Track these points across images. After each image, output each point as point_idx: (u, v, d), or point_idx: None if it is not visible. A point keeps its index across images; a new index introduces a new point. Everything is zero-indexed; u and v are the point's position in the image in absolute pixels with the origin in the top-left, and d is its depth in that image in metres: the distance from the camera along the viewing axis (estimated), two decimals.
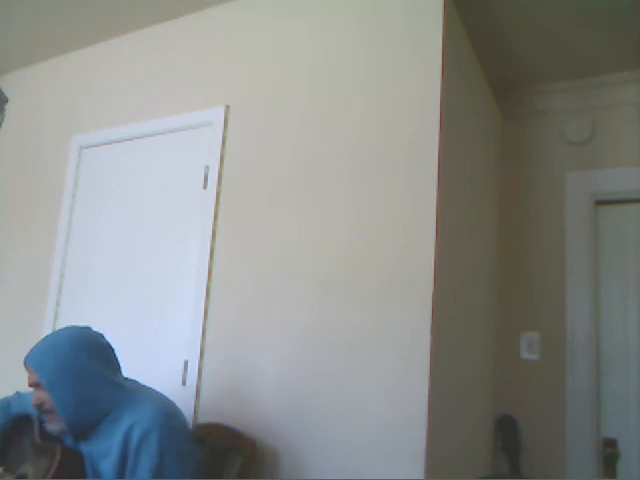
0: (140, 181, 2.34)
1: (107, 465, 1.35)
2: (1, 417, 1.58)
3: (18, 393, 1.68)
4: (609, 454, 2.14)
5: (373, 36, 1.89)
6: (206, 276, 2.02)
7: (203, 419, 1.90)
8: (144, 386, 1.54)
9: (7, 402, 1.64)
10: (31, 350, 1.44)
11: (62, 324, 2.29)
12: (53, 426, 1.40)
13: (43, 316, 2.45)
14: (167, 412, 1.41)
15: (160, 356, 2.06)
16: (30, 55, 2.88)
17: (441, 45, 1.75)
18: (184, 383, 1.97)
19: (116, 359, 1.52)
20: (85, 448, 1.40)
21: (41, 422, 1.50)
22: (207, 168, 2.14)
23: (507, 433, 2.31)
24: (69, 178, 2.58)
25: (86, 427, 1.38)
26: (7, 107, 2.34)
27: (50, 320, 2.41)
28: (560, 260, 2.41)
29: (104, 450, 1.36)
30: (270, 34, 2.13)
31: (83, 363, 1.39)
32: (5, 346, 2.58)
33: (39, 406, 1.38)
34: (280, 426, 1.75)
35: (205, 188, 2.12)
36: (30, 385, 1.41)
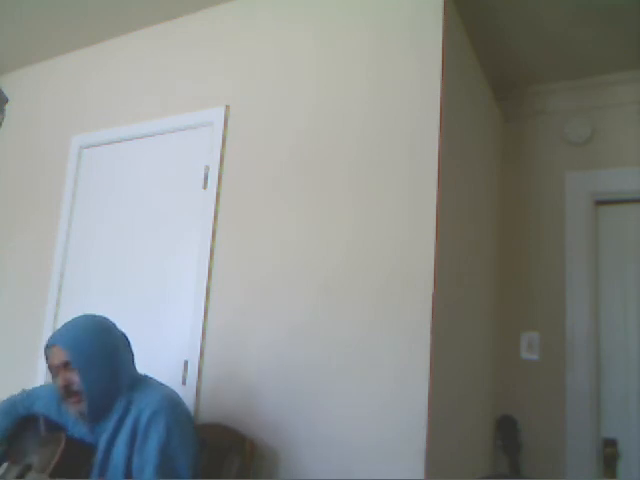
0: (140, 181, 2.34)
1: (119, 446, 1.41)
2: (9, 421, 1.61)
3: (24, 391, 1.69)
4: (609, 454, 2.14)
5: (373, 36, 1.89)
6: (206, 276, 2.02)
7: (203, 419, 1.90)
8: (151, 377, 1.61)
9: (13, 404, 1.64)
10: (57, 332, 1.49)
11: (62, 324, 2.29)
12: (76, 409, 1.43)
13: (43, 316, 2.45)
14: (173, 398, 1.49)
15: (160, 356, 2.06)
16: (30, 55, 2.88)
17: (441, 45, 1.75)
18: (184, 383, 1.97)
19: (130, 345, 1.59)
20: (98, 430, 1.45)
21: (46, 418, 1.54)
22: (207, 168, 2.14)
23: (507, 433, 2.31)
24: (69, 178, 2.58)
25: (104, 406, 1.43)
26: (7, 107, 2.34)
27: (50, 320, 2.41)
28: (560, 260, 2.41)
29: (115, 431, 1.42)
30: (270, 34, 2.13)
31: (112, 345, 1.48)
32: (5, 346, 2.58)
33: (66, 387, 1.41)
34: (280, 426, 1.75)
35: (205, 188, 2.12)
36: (54, 366, 1.43)
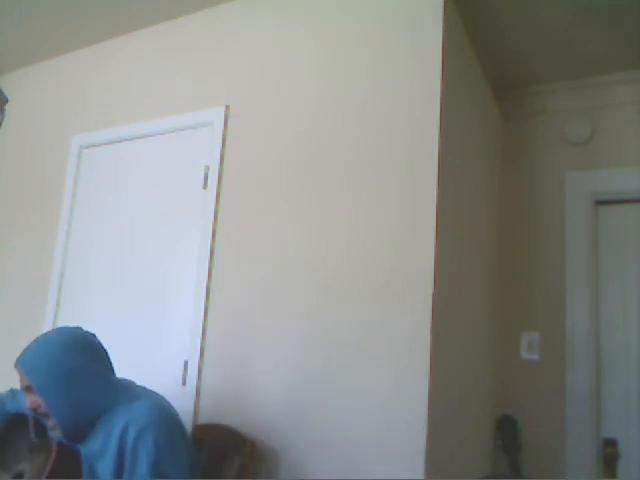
0: (140, 181, 2.34)
1: (104, 464, 1.34)
2: None
3: (12, 390, 1.66)
4: (609, 454, 2.14)
5: (373, 37, 1.89)
6: (206, 276, 2.02)
7: (203, 419, 1.90)
8: (136, 385, 1.53)
9: (1, 400, 1.62)
10: (22, 352, 1.41)
11: (62, 324, 2.29)
12: (54, 433, 1.38)
13: (43, 316, 2.45)
14: (160, 409, 1.40)
15: (160, 356, 2.06)
16: (30, 55, 2.88)
17: (441, 45, 1.75)
18: (184, 383, 1.97)
19: (107, 356, 1.49)
20: (82, 449, 1.40)
21: (36, 420, 1.49)
22: (207, 168, 2.14)
23: (507, 433, 2.31)
24: (69, 178, 2.58)
25: (81, 429, 1.36)
26: (7, 107, 2.34)
27: (50, 320, 2.41)
28: (560, 260, 2.41)
29: (100, 449, 1.35)
30: (270, 34, 2.13)
31: (76, 363, 1.36)
32: (5, 346, 2.58)
33: (35, 410, 1.36)
34: (280, 426, 1.75)
35: (205, 188, 2.12)
36: (22, 388, 1.39)
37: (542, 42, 2.25)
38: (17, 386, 1.71)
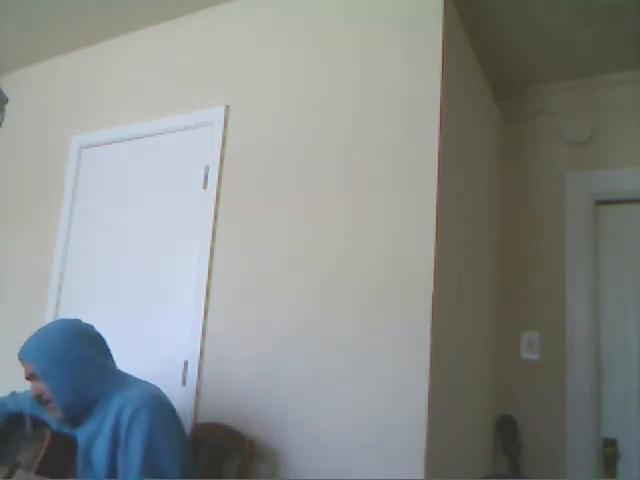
0: (140, 181, 2.34)
1: (99, 443, 1.41)
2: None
3: (13, 393, 1.71)
4: (609, 454, 2.15)
5: (373, 36, 1.89)
6: (206, 276, 2.02)
7: (203, 419, 1.90)
8: (131, 375, 1.58)
9: (3, 401, 1.67)
10: (25, 344, 1.49)
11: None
12: (53, 415, 1.45)
13: (43, 316, 2.45)
14: (154, 394, 1.47)
15: (160, 356, 2.06)
16: (30, 55, 2.88)
17: (441, 45, 1.75)
18: (184, 383, 1.97)
19: (107, 347, 1.57)
20: (79, 433, 1.45)
21: (32, 416, 1.55)
22: (207, 168, 2.14)
23: (507, 433, 2.31)
24: (69, 178, 2.58)
25: (81, 412, 1.44)
26: (7, 107, 2.34)
27: (50, 320, 2.41)
28: (560, 260, 2.41)
29: (96, 431, 1.42)
30: (270, 34, 2.13)
31: (75, 350, 1.45)
32: (5, 346, 2.58)
33: (38, 396, 1.43)
34: (279, 426, 1.75)
35: (205, 188, 2.12)
36: (27, 377, 1.46)
37: (542, 42, 2.25)
38: (18, 387, 1.72)
